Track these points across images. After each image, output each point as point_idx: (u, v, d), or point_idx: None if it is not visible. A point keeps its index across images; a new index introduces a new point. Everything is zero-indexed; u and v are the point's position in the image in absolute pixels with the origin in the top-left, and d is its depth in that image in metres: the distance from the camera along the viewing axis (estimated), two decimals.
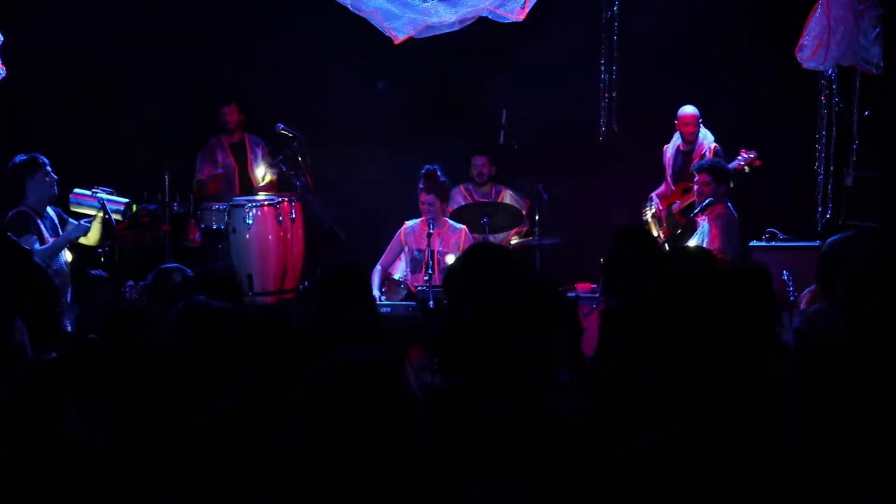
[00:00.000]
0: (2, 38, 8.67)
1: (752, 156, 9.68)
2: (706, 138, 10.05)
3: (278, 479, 3.59)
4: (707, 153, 9.92)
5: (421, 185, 9.28)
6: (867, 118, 9.27)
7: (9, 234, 7.19)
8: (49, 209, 8.54)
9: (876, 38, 8.73)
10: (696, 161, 9.93)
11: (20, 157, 8.49)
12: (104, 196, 8.88)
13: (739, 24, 10.51)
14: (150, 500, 3.70)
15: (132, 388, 3.94)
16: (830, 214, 9.54)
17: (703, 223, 9.18)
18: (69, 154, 10.46)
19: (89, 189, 8.93)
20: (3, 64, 8.74)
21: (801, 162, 9.87)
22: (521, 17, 9.25)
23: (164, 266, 6.20)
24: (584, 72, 10.42)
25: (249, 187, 10.73)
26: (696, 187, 9.20)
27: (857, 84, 9.14)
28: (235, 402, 4.18)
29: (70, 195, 8.89)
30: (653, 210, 10.22)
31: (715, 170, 9.12)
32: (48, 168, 8.46)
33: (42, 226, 8.37)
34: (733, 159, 9.73)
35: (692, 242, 9.14)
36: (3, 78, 8.72)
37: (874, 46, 8.74)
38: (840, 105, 9.24)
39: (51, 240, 8.34)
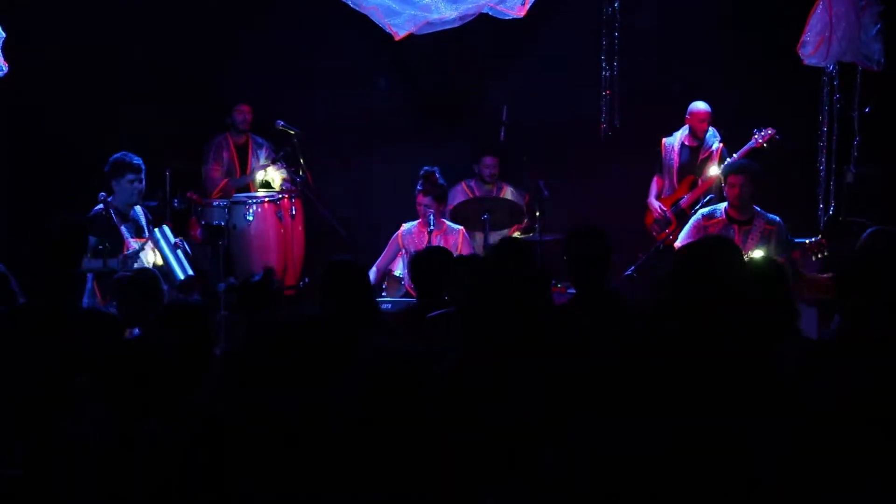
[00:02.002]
0: (4, 35, 8.65)
1: (769, 132, 9.53)
2: (715, 137, 10.02)
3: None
4: (714, 153, 9.88)
5: (419, 187, 9.28)
6: (868, 115, 9.25)
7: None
8: (138, 209, 8.45)
9: (877, 35, 8.71)
10: (702, 157, 9.91)
11: (115, 156, 8.41)
12: (182, 256, 8.31)
13: (740, 19, 10.50)
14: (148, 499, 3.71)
15: (129, 388, 3.95)
16: (832, 211, 9.52)
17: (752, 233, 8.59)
18: (70, 151, 10.49)
19: (177, 237, 8.43)
20: (4, 60, 8.72)
21: (803, 158, 9.86)
22: (522, 14, 9.22)
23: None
24: (585, 68, 10.41)
25: (246, 189, 10.73)
26: (732, 188, 8.49)
27: (858, 80, 9.12)
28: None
29: (157, 227, 8.44)
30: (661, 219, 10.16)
31: (753, 170, 8.57)
32: (140, 175, 8.32)
33: (122, 229, 8.27)
34: (744, 145, 9.66)
35: (757, 253, 8.38)
36: (6, 74, 8.70)
37: (875, 43, 8.71)
38: (841, 101, 9.21)
39: (132, 242, 8.19)
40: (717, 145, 9.94)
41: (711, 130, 10.03)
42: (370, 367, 3.46)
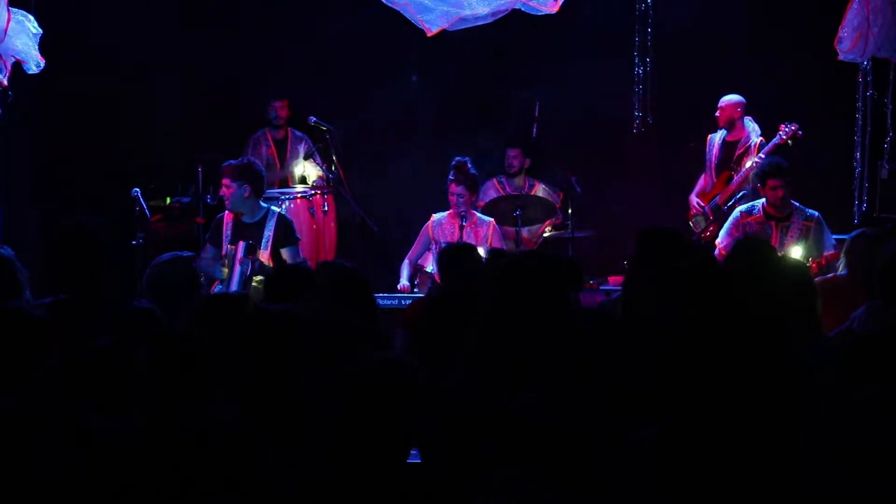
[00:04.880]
0: (41, 31, 8.72)
1: (793, 128, 9.42)
2: (753, 131, 9.88)
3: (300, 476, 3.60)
4: (752, 147, 9.74)
5: (451, 177, 9.29)
6: None
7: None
8: (274, 214, 8.31)
9: None
10: (738, 152, 9.79)
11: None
12: (240, 271, 8.12)
13: (776, 14, 10.43)
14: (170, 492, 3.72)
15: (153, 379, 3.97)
16: (866, 207, 9.44)
17: (796, 231, 8.53)
18: (103, 147, 10.58)
19: (249, 256, 8.14)
20: (41, 56, 8.79)
21: (838, 154, 9.78)
22: (555, 9, 9.16)
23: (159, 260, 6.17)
24: (618, 63, 10.38)
25: (286, 184, 10.77)
26: (774, 191, 8.43)
27: (891, 76, 9.04)
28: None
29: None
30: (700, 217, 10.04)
31: (789, 169, 8.48)
32: (225, 181, 8.21)
33: (226, 233, 8.27)
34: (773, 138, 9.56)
35: (799, 254, 8.34)
36: (44, 69, 8.77)
37: None
38: (875, 97, 9.13)
39: (228, 248, 8.21)
40: (755, 140, 9.79)
41: (752, 125, 9.89)
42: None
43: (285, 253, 8.25)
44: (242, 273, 8.03)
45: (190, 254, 6.41)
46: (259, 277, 7.88)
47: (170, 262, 6.07)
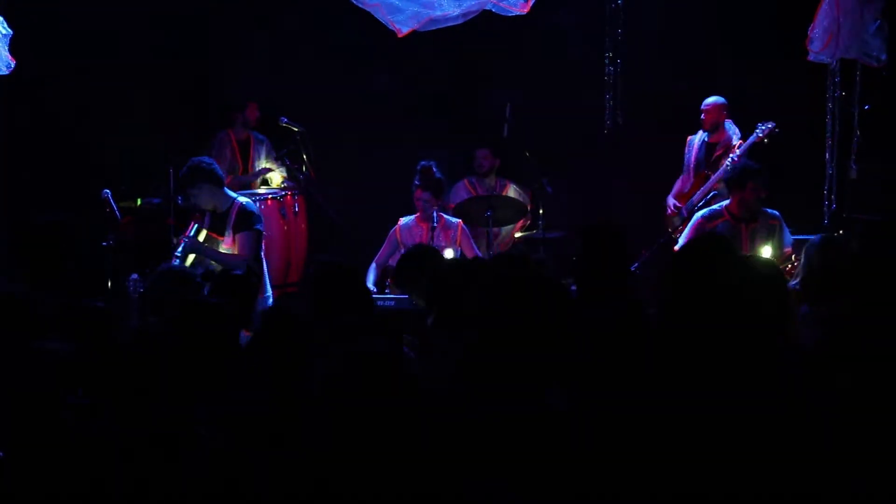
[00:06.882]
0: (11, 32, 8.72)
1: (769, 126, 9.42)
2: (734, 133, 9.88)
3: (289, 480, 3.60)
4: (732, 149, 9.73)
5: (416, 182, 9.28)
6: (867, 111, 9.21)
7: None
8: (236, 202, 8.25)
9: (877, 31, 8.66)
10: (717, 154, 9.80)
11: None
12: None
13: (746, 14, 10.46)
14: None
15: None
16: (835, 207, 9.49)
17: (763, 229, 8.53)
18: (74, 148, 10.54)
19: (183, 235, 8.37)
20: (12, 57, 8.78)
21: (808, 154, 9.82)
22: (525, 10, 9.19)
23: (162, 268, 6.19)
24: (588, 64, 10.40)
25: (248, 187, 10.74)
26: (756, 193, 8.36)
27: (858, 77, 9.09)
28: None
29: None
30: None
31: (764, 171, 8.45)
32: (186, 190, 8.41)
33: (193, 225, 8.32)
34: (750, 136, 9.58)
35: (768, 253, 8.31)
36: (13, 69, 8.76)
37: (875, 39, 8.67)
38: (842, 97, 9.18)
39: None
40: (735, 142, 9.78)
41: (733, 128, 9.90)
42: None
43: (239, 238, 8.18)
44: (184, 248, 8.13)
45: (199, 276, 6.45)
46: (191, 256, 8.04)
47: (173, 275, 6.09)
